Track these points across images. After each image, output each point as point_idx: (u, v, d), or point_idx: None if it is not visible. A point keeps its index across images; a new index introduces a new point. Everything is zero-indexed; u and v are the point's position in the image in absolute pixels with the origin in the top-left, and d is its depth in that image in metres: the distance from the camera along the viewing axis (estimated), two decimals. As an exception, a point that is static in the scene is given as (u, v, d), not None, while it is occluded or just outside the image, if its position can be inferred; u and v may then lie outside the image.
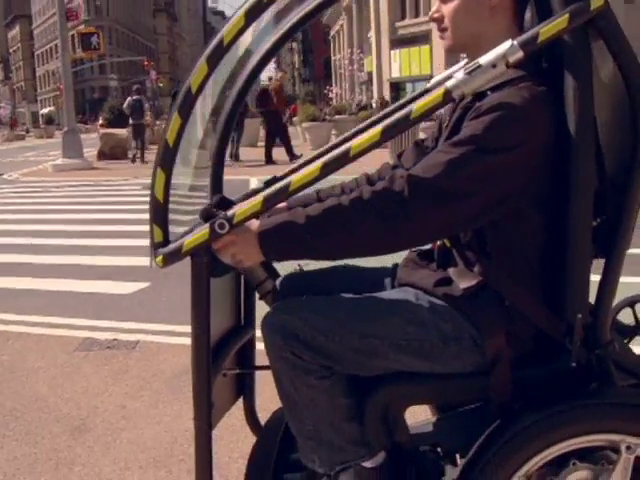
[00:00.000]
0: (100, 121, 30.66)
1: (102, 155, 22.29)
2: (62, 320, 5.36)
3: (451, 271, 2.04)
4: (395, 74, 44.05)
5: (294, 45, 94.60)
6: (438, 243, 2.11)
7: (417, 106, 1.80)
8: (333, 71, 67.00)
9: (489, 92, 1.87)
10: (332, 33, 69.62)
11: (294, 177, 1.89)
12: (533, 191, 1.89)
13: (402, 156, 2.40)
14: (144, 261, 6.32)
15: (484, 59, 1.77)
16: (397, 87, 43.68)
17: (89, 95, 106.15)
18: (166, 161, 1.96)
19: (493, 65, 1.77)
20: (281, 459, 2.35)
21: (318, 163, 1.85)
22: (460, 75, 1.78)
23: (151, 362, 4.38)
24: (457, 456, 2.25)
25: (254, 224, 1.94)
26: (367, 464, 2.10)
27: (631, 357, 2.12)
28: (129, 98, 21.09)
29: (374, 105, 29.14)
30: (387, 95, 39.40)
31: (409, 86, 41.34)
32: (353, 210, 1.85)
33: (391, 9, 42.93)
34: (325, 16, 69.06)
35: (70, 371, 4.29)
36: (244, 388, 2.65)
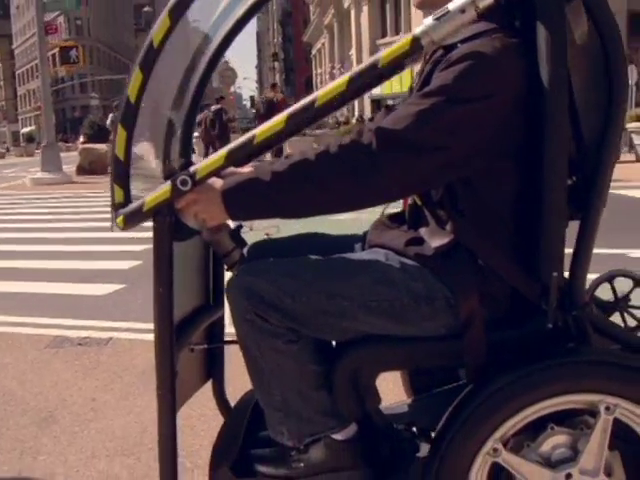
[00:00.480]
0: (81, 139, 30.58)
1: (81, 170, 22.12)
2: (34, 319, 5.26)
3: (422, 231, 1.99)
4: (376, 91, 44.14)
5: (276, 65, 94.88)
6: (409, 202, 2.05)
7: (384, 54, 1.75)
8: (315, 87, 67.22)
9: (460, 44, 1.82)
10: (314, 52, 69.97)
11: (258, 130, 1.83)
12: (506, 146, 1.84)
13: (372, 120, 2.35)
14: (120, 264, 6.30)
15: (453, 4, 1.72)
16: (378, 104, 43.78)
17: (70, 114, 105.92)
18: (127, 118, 1.90)
19: (462, 10, 1.72)
20: (249, 437, 2.28)
21: (284, 115, 1.80)
22: (429, 21, 1.73)
23: (123, 357, 4.29)
24: (432, 434, 2.18)
25: (218, 183, 1.88)
26: (338, 436, 2.04)
27: (608, 320, 2.06)
28: (111, 114, 21.03)
29: (354, 121, 29.21)
30: (368, 112, 39.50)
31: (390, 103, 41.39)
32: (320, 164, 1.79)
33: (372, 27, 43.22)
34: (307, 35, 69.53)
35: (40, 367, 4.19)
36: (213, 370, 2.59)
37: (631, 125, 17.69)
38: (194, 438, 3.10)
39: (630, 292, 2.36)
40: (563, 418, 1.89)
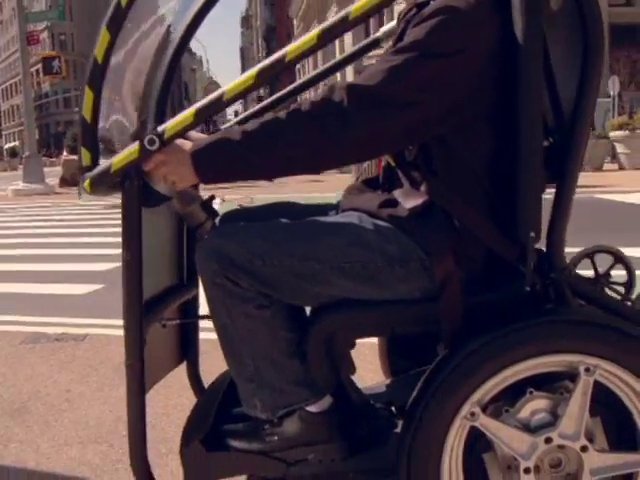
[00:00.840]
0: (65, 153, 30.39)
1: (64, 182, 21.99)
2: (9, 317, 5.19)
3: (396, 193, 1.94)
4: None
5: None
6: (383, 164, 2.01)
7: (354, 8, 1.72)
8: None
9: (433, 1, 1.79)
10: (298, 65, 70.14)
11: (227, 87, 1.79)
12: (481, 104, 1.81)
13: None
14: (99, 266, 6.23)
15: None
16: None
17: (54, 129, 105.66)
18: (94, 79, 1.85)
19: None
20: (222, 414, 2.22)
21: (254, 70, 1.76)
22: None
23: (100, 352, 4.22)
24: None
25: (187, 145, 1.83)
26: (312, 408, 1.98)
27: (587, 284, 2.02)
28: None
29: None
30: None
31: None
32: (291, 121, 1.75)
33: (356, 42, 43.31)
34: (291, 49, 69.63)
35: (14, 361, 4.12)
36: (188, 352, 2.54)
37: (614, 134, 17.78)
38: (169, 425, 3.04)
39: (610, 268, 2.32)
40: (542, 383, 1.84)
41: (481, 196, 1.87)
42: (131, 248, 1.87)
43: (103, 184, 1.84)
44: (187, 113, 1.80)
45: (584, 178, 2.28)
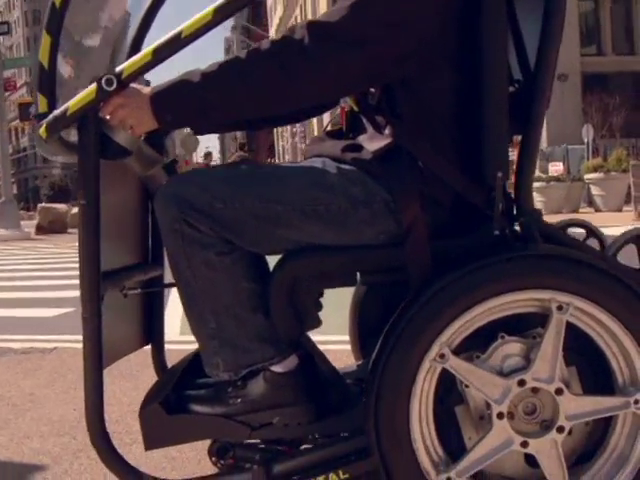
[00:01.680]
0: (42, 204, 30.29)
1: (41, 229, 21.86)
2: (-25, 336, 5.05)
3: (361, 138, 1.91)
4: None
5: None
6: (346, 110, 1.97)
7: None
8: (276, 143, 67.88)
9: None
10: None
11: (185, 24, 1.75)
12: (444, 45, 1.78)
13: None
14: (70, 293, 6.08)
15: None
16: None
17: (32, 183, 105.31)
18: (52, 24, 1.81)
19: None
20: (185, 382, 2.13)
21: (211, 7, 1.73)
22: None
23: (67, 361, 4.10)
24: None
25: (146, 89, 1.79)
26: (277, 368, 1.90)
27: (557, 229, 1.97)
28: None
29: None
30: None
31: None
32: (250, 59, 1.72)
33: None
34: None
35: (-21, 372, 3.99)
36: (152, 335, 2.45)
37: (588, 176, 17.92)
38: (134, 420, 2.92)
39: (584, 241, 2.28)
40: (514, 330, 1.79)
41: (446, 139, 1.83)
42: (87, 196, 1.80)
43: (59, 128, 1.78)
44: (145, 52, 1.75)
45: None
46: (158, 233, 2.37)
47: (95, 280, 1.82)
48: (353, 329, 2.56)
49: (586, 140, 24.23)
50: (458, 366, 1.73)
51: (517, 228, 1.88)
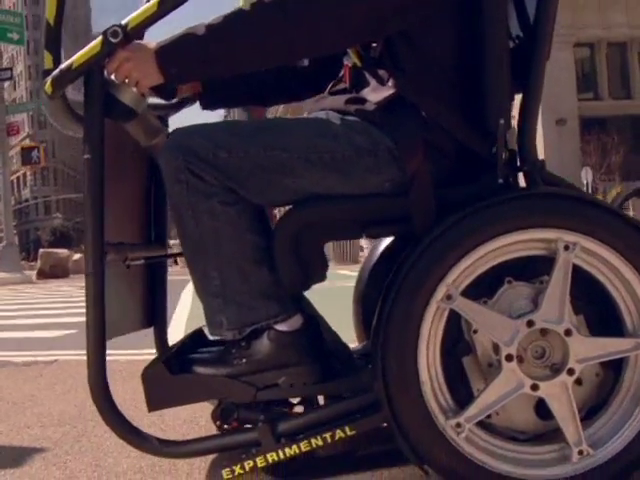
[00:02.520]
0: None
1: (42, 274, 21.81)
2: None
3: (364, 91, 1.92)
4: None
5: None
6: (349, 65, 1.97)
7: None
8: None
9: None
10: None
11: None
12: None
13: None
14: (71, 319, 6.07)
15: None
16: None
17: (33, 235, 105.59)
18: None
19: None
20: (188, 347, 2.11)
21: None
22: None
23: (68, 370, 4.06)
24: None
25: (151, 44, 1.79)
26: (281, 327, 1.89)
27: (562, 179, 1.95)
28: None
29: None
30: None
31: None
32: (255, 10, 1.73)
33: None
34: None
35: (-21, 381, 3.95)
36: (155, 317, 2.44)
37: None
38: (137, 412, 2.89)
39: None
40: (521, 276, 1.77)
41: (449, 89, 1.84)
42: (92, 151, 1.79)
43: (65, 82, 1.77)
44: (151, 3, 1.76)
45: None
46: (161, 213, 2.38)
47: (99, 234, 1.81)
48: (357, 318, 2.55)
49: (585, 182, 24.40)
50: (466, 307, 1.71)
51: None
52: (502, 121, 1.78)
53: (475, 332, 1.75)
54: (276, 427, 1.86)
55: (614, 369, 1.79)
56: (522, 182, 1.89)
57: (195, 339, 2.20)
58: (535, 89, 1.89)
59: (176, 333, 4.85)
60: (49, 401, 3.25)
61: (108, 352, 1.80)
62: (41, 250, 24.47)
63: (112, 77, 1.81)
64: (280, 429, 1.86)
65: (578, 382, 1.76)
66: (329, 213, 1.86)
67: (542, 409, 1.77)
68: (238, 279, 1.84)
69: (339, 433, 1.84)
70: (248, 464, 1.84)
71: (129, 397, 3.12)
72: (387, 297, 1.72)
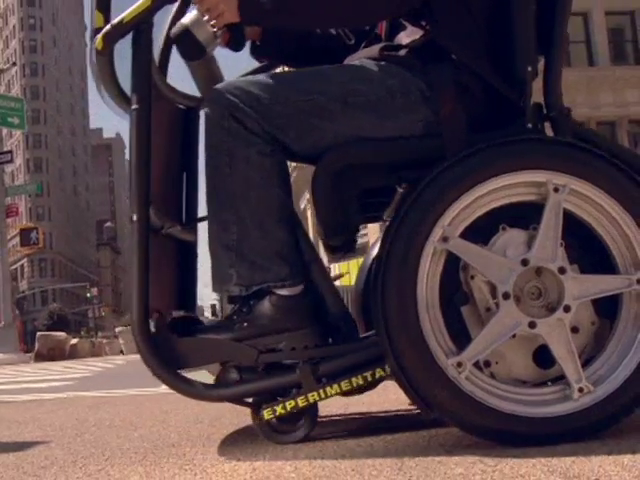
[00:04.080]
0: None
1: (40, 356, 21.56)
2: None
3: (397, 38, 2.05)
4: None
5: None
6: None
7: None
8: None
9: None
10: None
11: None
12: None
13: None
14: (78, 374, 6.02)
15: None
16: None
17: (31, 326, 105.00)
18: None
19: None
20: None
21: None
22: None
23: (69, 405, 4.06)
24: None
25: None
26: (283, 292, 1.94)
27: (588, 128, 2.08)
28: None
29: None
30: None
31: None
32: None
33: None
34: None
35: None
36: (186, 301, 2.36)
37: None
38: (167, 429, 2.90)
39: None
40: (515, 225, 1.83)
41: (479, 34, 1.96)
42: (140, 100, 1.90)
43: (115, 37, 1.87)
44: None
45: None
46: (192, 197, 2.39)
47: (145, 181, 1.90)
48: (356, 304, 2.57)
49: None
50: (462, 247, 1.77)
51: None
52: (530, 68, 1.89)
53: (472, 278, 1.80)
54: (317, 368, 1.89)
55: (609, 317, 1.83)
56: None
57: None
58: (559, 38, 1.98)
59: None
60: (50, 419, 3.25)
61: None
62: (39, 333, 24.26)
63: (191, 11, 1.92)
64: (321, 370, 1.90)
65: (575, 330, 1.80)
66: (367, 154, 1.93)
67: (541, 358, 1.80)
68: (257, 234, 1.90)
69: (379, 372, 1.89)
70: (290, 404, 1.88)
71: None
72: (386, 238, 1.77)
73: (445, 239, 1.76)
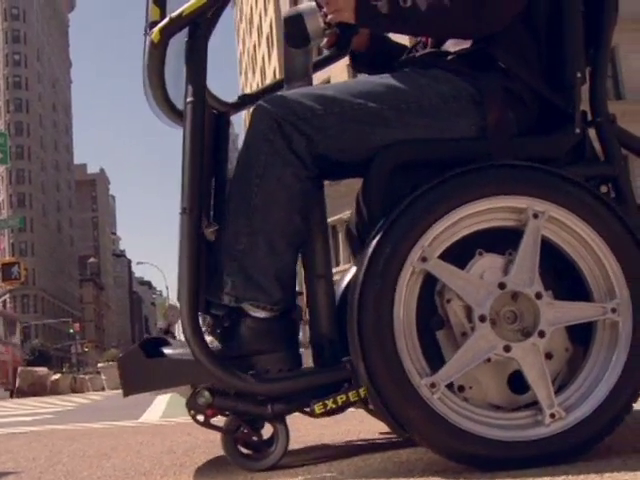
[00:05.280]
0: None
1: (20, 392, 21.35)
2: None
3: (445, 45, 2.07)
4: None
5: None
6: None
7: None
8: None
9: None
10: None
11: None
12: None
13: None
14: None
15: None
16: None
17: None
18: None
19: None
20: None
21: None
22: None
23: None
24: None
25: None
26: (259, 314, 1.91)
27: (634, 135, 2.09)
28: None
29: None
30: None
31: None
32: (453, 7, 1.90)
33: None
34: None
35: None
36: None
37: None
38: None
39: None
40: (491, 244, 1.82)
41: (529, 41, 1.98)
42: (195, 94, 1.90)
43: (173, 31, 1.88)
44: None
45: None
46: (220, 195, 2.35)
47: (198, 171, 1.90)
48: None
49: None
50: (440, 268, 1.77)
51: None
52: (579, 75, 1.92)
53: (448, 302, 1.80)
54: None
55: (583, 343, 1.83)
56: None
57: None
58: (606, 44, 2.02)
59: (154, 411, 4.78)
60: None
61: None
62: (20, 368, 24.04)
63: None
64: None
65: (549, 356, 1.80)
66: (421, 152, 1.92)
67: (516, 384, 1.79)
68: (264, 252, 1.89)
69: (352, 395, 1.86)
70: (341, 398, 1.86)
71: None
72: (364, 256, 1.77)
73: (424, 259, 1.76)
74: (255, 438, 1.96)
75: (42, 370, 22.32)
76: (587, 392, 1.78)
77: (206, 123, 2.13)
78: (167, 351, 1.95)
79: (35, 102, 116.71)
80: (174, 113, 2.12)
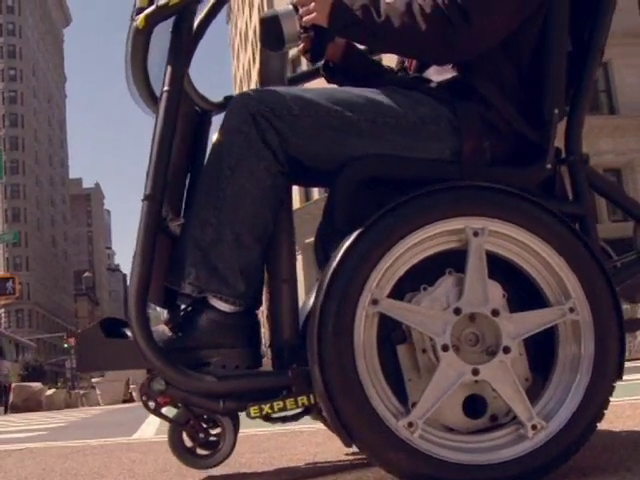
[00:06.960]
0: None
1: (14, 408, 21.30)
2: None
3: (427, 72, 2.10)
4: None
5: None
6: None
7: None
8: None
9: None
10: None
11: None
12: None
13: None
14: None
15: None
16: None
17: (3, 379, 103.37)
18: None
19: None
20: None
21: None
22: None
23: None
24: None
25: None
26: (223, 307, 1.93)
27: (605, 177, 2.18)
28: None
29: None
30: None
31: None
32: (437, 12, 1.88)
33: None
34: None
35: None
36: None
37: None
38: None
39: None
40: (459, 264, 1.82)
41: (510, 72, 2.01)
42: (172, 81, 1.91)
43: (158, 18, 1.90)
44: None
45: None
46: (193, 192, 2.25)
47: (164, 161, 1.90)
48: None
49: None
50: (393, 307, 1.77)
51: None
52: (556, 111, 1.95)
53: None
54: (308, 372, 1.82)
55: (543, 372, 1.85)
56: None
57: None
58: (587, 85, 2.06)
59: (147, 430, 4.83)
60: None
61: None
62: (14, 384, 23.96)
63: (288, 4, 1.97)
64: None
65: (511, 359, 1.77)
66: (394, 168, 1.94)
67: (471, 408, 1.81)
68: (232, 243, 1.90)
69: (301, 400, 1.89)
70: (277, 405, 1.87)
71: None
72: (315, 306, 1.76)
73: (375, 302, 1.75)
74: (202, 435, 1.98)
75: (36, 385, 22.23)
76: (562, 398, 1.79)
77: (187, 119, 2.16)
78: (128, 332, 1.91)
79: (30, 117, 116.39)
80: (154, 103, 2.08)
